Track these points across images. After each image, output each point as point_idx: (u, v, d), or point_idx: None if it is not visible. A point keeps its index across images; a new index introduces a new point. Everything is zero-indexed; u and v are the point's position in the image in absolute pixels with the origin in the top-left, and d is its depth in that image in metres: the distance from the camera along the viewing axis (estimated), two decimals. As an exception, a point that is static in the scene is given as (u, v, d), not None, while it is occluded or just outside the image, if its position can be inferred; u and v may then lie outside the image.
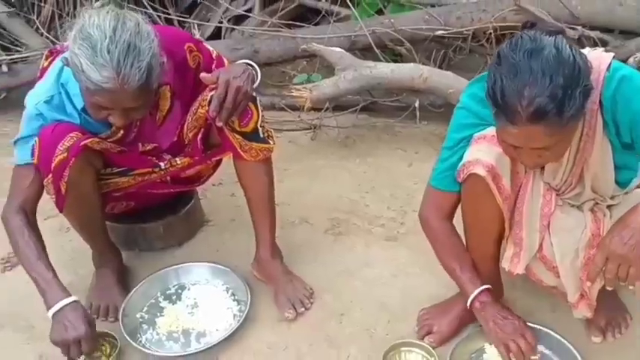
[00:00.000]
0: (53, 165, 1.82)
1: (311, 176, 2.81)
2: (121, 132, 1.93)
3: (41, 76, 1.99)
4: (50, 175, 1.84)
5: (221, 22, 3.88)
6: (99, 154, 1.94)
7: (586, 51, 1.63)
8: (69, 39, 1.70)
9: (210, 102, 1.92)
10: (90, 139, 1.85)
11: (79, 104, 1.86)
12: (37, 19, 3.78)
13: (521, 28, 1.62)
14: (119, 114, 1.75)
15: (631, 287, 1.61)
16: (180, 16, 3.93)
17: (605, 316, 1.94)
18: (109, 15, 1.67)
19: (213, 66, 2.04)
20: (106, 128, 1.91)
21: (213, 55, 2.07)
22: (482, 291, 1.86)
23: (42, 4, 3.79)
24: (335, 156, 2.97)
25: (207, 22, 3.93)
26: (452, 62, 3.35)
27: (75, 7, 3.73)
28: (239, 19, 3.94)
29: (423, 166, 2.82)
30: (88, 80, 1.66)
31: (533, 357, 1.82)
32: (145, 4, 3.76)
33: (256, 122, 2.01)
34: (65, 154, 1.81)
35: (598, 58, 1.61)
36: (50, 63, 1.98)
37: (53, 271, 1.86)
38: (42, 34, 3.72)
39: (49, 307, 1.81)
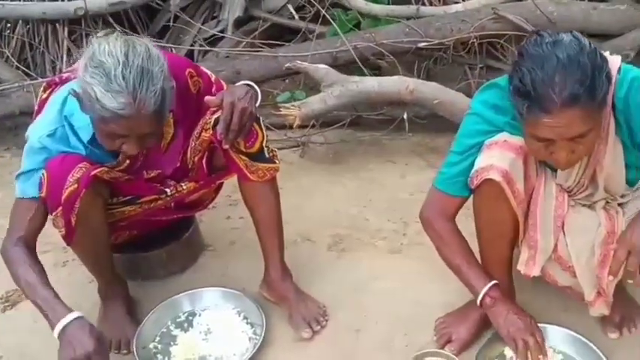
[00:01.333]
0: (64, 197, 1.77)
1: (306, 194, 2.80)
2: (128, 161, 1.90)
3: (40, 109, 1.95)
4: (60, 208, 1.79)
5: (193, 45, 3.86)
6: (106, 184, 1.91)
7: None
8: (79, 69, 1.67)
9: (214, 125, 1.92)
10: (100, 169, 1.82)
11: (85, 137, 1.82)
12: (7, 49, 3.68)
13: (529, 37, 1.66)
14: (134, 141, 1.72)
15: (652, 280, 1.65)
16: (151, 40, 3.88)
17: (619, 312, 1.98)
18: (119, 41, 1.65)
19: (213, 90, 2.03)
20: (112, 158, 1.88)
21: (212, 79, 2.06)
22: (491, 286, 1.87)
23: (11, 35, 3.70)
24: (326, 172, 2.97)
25: (180, 44, 3.90)
26: (432, 73, 3.39)
27: (47, 38, 3.65)
28: (212, 41, 3.92)
29: (416, 177, 2.86)
30: (104, 109, 1.62)
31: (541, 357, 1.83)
32: (117, 28, 3.71)
33: (262, 142, 2.00)
34: (76, 186, 1.77)
35: (608, 60, 1.65)
36: (49, 95, 1.94)
37: (54, 292, 1.80)
38: (13, 66, 3.62)
39: (53, 328, 1.73)
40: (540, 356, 1.83)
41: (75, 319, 1.74)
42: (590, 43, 1.54)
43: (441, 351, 1.96)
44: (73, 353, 1.69)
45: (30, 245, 1.87)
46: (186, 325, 2.15)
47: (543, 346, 1.85)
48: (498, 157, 1.74)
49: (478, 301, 1.88)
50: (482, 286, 1.87)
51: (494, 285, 1.87)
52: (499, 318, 1.85)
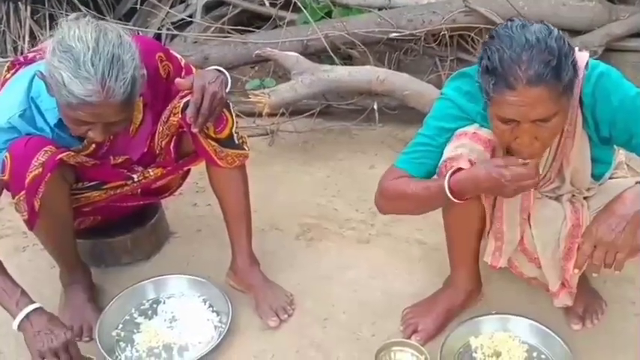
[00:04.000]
0: (27, 181, 1.72)
1: (274, 182, 2.77)
2: (93, 146, 1.86)
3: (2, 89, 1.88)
4: (23, 192, 1.74)
5: (160, 29, 3.79)
6: (71, 169, 1.86)
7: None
8: (47, 52, 1.61)
9: (183, 109, 1.88)
10: (65, 153, 1.77)
11: (52, 120, 1.77)
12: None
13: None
14: (100, 129, 1.67)
15: (617, 272, 1.67)
16: (118, 23, 3.80)
17: (582, 304, 2.01)
18: (90, 26, 1.60)
19: (183, 74, 1.99)
20: (77, 142, 1.83)
21: (182, 64, 2.03)
22: (452, 173, 1.71)
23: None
24: (295, 161, 2.95)
25: (147, 28, 3.82)
26: (402, 64, 3.39)
27: (8, 17, 3.54)
28: (180, 26, 3.85)
29: (385, 167, 2.76)
30: (71, 95, 1.58)
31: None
32: (82, 9, 3.62)
33: (231, 128, 1.97)
34: (40, 169, 1.72)
35: (576, 55, 1.66)
36: (13, 75, 1.87)
37: (12, 280, 1.80)
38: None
39: (14, 317, 1.75)
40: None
41: (36, 309, 1.75)
42: (557, 31, 1.56)
43: (407, 341, 1.96)
44: (49, 343, 1.72)
45: None
46: (150, 312, 2.12)
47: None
48: (467, 148, 1.74)
49: (446, 188, 1.71)
50: (444, 180, 1.72)
51: (455, 170, 1.71)
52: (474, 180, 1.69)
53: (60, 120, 1.75)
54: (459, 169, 1.71)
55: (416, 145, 1.85)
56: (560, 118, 1.61)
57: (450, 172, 1.71)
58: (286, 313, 2.09)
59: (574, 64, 1.56)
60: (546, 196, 1.89)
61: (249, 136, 3.06)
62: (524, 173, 1.64)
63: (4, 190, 1.84)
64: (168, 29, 3.70)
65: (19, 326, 1.75)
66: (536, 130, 1.59)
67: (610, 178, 1.91)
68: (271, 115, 3.00)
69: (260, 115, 2.92)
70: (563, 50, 1.53)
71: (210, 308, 2.11)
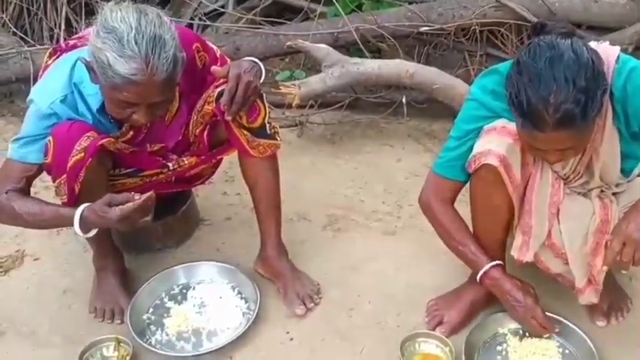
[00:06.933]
0: (69, 165, 1.77)
1: (302, 173, 2.81)
2: (131, 132, 1.90)
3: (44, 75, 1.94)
4: (64, 176, 1.79)
5: (193, 19, 3.83)
6: (110, 155, 1.91)
7: (593, 45, 1.69)
8: (90, 35, 1.66)
9: (217, 97, 1.92)
10: (106, 139, 1.82)
11: (94, 105, 1.82)
12: (4, 15, 3.63)
13: (531, 29, 1.67)
14: (144, 110, 1.72)
15: (645, 270, 1.68)
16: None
17: (607, 301, 2.01)
18: (131, 8, 1.66)
19: (218, 65, 2.02)
20: (116, 129, 1.88)
21: (218, 55, 2.06)
22: (491, 267, 1.90)
23: (9, 0, 3.65)
24: (323, 153, 2.98)
25: (180, 18, 3.88)
26: (431, 58, 3.40)
27: (45, 5, 3.61)
28: (212, 17, 3.89)
29: (412, 161, 2.87)
30: (116, 75, 1.62)
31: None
32: (117, 0, 3.68)
33: (264, 118, 2.01)
34: (82, 154, 1.77)
35: (606, 51, 1.68)
36: (54, 61, 1.92)
37: (57, 205, 1.85)
38: (10, 31, 3.58)
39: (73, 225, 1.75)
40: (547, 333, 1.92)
41: (85, 207, 1.75)
42: (589, 58, 1.53)
43: (432, 332, 1.99)
44: (124, 211, 1.71)
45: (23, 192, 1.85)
46: (180, 297, 2.16)
47: (549, 325, 1.92)
48: (496, 143, 1.76)
49: (478, 279, 1.91)
50: (481, 266, 1.90)
51: (495, 266, 1.90)
52: (505, 302, 1.92)
53: (102, 105, 1.80)
54: (499, 265, 1.91)
55: (448, 150, 1.89)
56: (586, 140, 1.65)
57: (495, 264, 1.90)
58: (313, 301, 2.13)
59: (603, 91, 1.56)
60: (575, 191, 1.90)
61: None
62: (540, 330, 1.91)
63: (41, 175, 1.90)
64: (200, 19, 3.74)
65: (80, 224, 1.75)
66: (562, 153, 1.64)
67: (639, 175, 1.91)
68: (300, 106, 3.03)
69: (289, 106, 2.96)
70: (593, 84, 1.52)
71: (239, 295, 2.15)
